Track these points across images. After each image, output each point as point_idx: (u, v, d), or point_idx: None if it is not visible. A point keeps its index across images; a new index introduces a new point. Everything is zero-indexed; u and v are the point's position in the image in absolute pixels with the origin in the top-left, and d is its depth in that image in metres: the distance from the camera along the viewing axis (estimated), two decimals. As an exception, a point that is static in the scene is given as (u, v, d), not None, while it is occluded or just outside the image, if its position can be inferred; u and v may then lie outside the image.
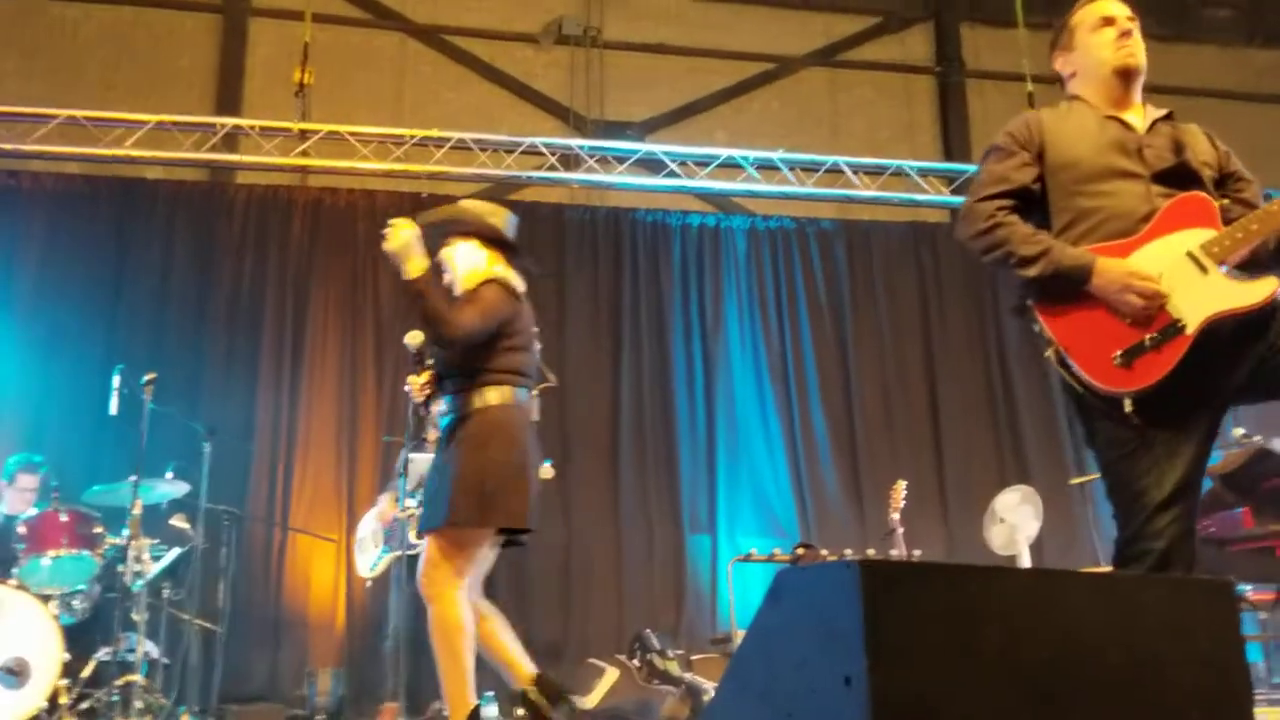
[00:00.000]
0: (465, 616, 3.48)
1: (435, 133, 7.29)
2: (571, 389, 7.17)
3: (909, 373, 7.66)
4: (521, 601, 6.63)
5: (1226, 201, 2.59)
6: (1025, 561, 5.94)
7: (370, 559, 5.98)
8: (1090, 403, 2.47)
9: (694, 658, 5.73)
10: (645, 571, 6.89)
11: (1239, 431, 4.98)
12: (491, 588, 6.60)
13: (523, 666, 3.66)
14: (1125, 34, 2.68)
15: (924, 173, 7.93)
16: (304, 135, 7.09)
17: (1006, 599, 1.79)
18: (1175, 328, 2.36)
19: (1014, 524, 6.05)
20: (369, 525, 6.09)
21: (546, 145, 7.63)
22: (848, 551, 5.65)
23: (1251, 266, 2.51)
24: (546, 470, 5.63)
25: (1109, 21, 2.71)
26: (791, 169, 7.91)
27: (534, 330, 3.91)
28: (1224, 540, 4.78)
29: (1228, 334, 2.39)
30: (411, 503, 5.03)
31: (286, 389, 6.90)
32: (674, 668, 5.42)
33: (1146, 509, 2.39)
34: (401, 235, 3.60)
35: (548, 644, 6.51)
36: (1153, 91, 8.50)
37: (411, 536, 5.16)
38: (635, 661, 5.63)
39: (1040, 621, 1.80)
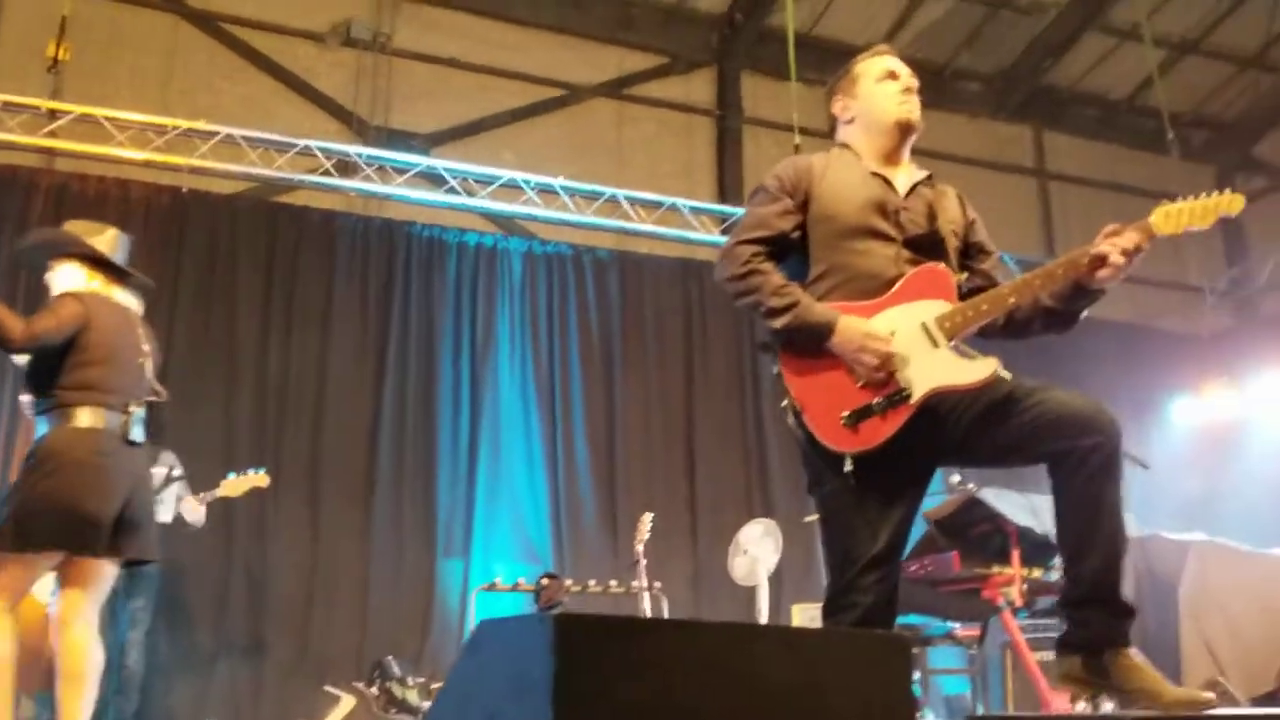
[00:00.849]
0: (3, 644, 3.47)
1: (201, 124, 6.95)
2: (330, 402, 6.98)
3: (670, 404, 7.83)
4: (258, 623, 6.38)
5: (964, 276, 2.74)
6: (764, 593, 6.18)
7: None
8: (814, 455, 2.60)
9: (435, 686, 5.64)
10: (392, 595, 6.73)
11: (955, 479, 5.36)
12: (225, 607, 6.38)
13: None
14: (909, 89, 2.82)
15: (697, 211, 8.19)
16: (54, 115, 6.62)
17: (696, 652, 1.85)
18: (901, 395, 2.50)
19: (756, 556, 6.28)
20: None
21: (322, 149, 7.42)
22: (592, 582, 5.73)
23: (986, 335, 2.70)
24: (258, 479, 5.46)
25: (894, 75, 2.82)
26: (572, 196, 8.01)
27: (143, 349, 3.89)
28: (936, 581, 5.13)
29: (946, 406, 2.55)
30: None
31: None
32: (413, 696, 5.33)
33: (856, 565, 2.52)
34: None
35: (282, 669, 6.29)
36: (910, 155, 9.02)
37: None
38: (374, 689, 5.51)
39: (728, 674, 1.87)
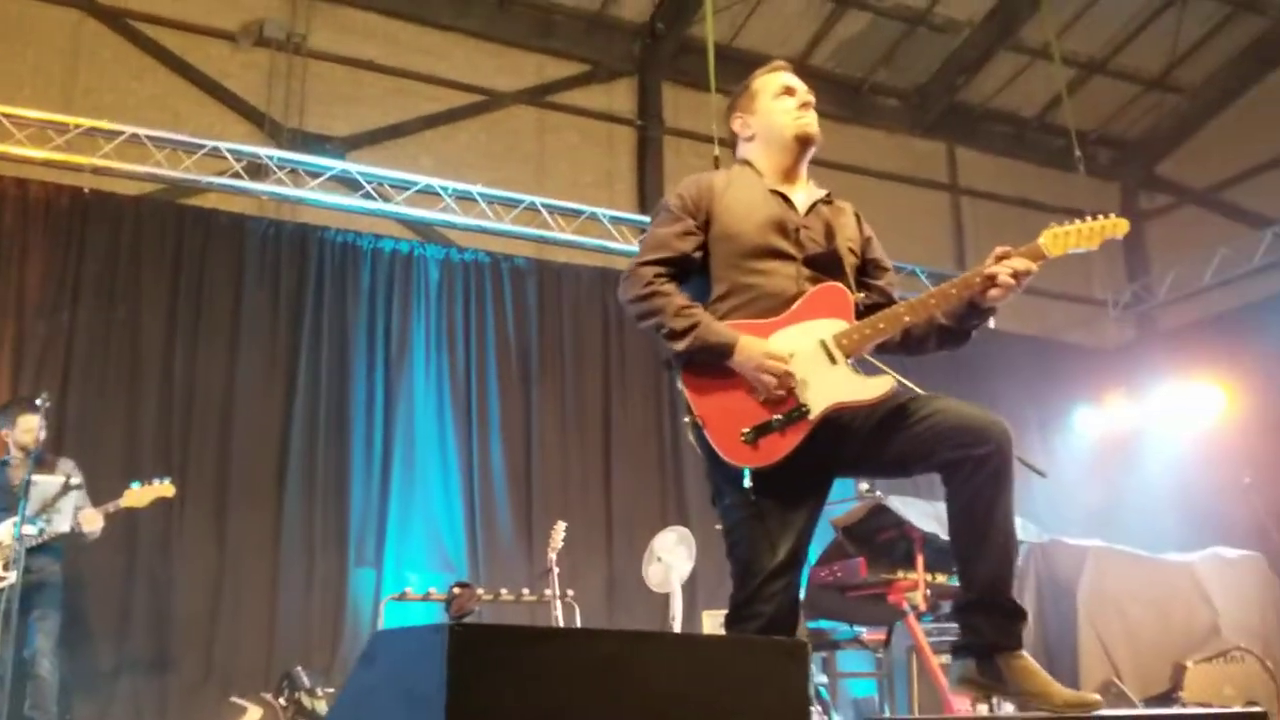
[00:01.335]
0: None
1: (104, 124, 6.78)
2: (238, 410, 6.84)
3: (586, 413, 7.83)
4: (162, 635, 6.23)
5: (862, 295, 2.79)
6: (677, 599, 6.21)
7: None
8: (715, 470, 2.63)
9: (344, 696, 5.55)
10: (303, 604, 6.61)
11: (864, 487, 5.46)
12: (128, 619, 6.21)
13: None
14: (806, 105, 2.85)
15: (616, 221, 8.21)
16: (-53, 111, 6.41)
17: (592, 660, 1.86)
18: (800, 412, 2.54)
19: (669, 563, 6.31)
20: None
21: (232, 151, 7.29)
22: (504, 591, 5.70)
23: (883, 350, 2.76)
24: (163, 489, 5.34)
25: (790, 91, 2.86)
26: (490, 203, 7.98)
27: None
28: (844, 586, 5.21)
29: (844, 420, 2.59)
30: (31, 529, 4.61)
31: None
32: (322, 707, 5.26)
33: (759, 575, 2.54)
34: None
35: (188, 681, 6.15)
36: (826, 168, 9.24)
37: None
38: (282, 700, 5.42)
39: (624, 682, 1.87)
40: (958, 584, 2.74)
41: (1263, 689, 5.87)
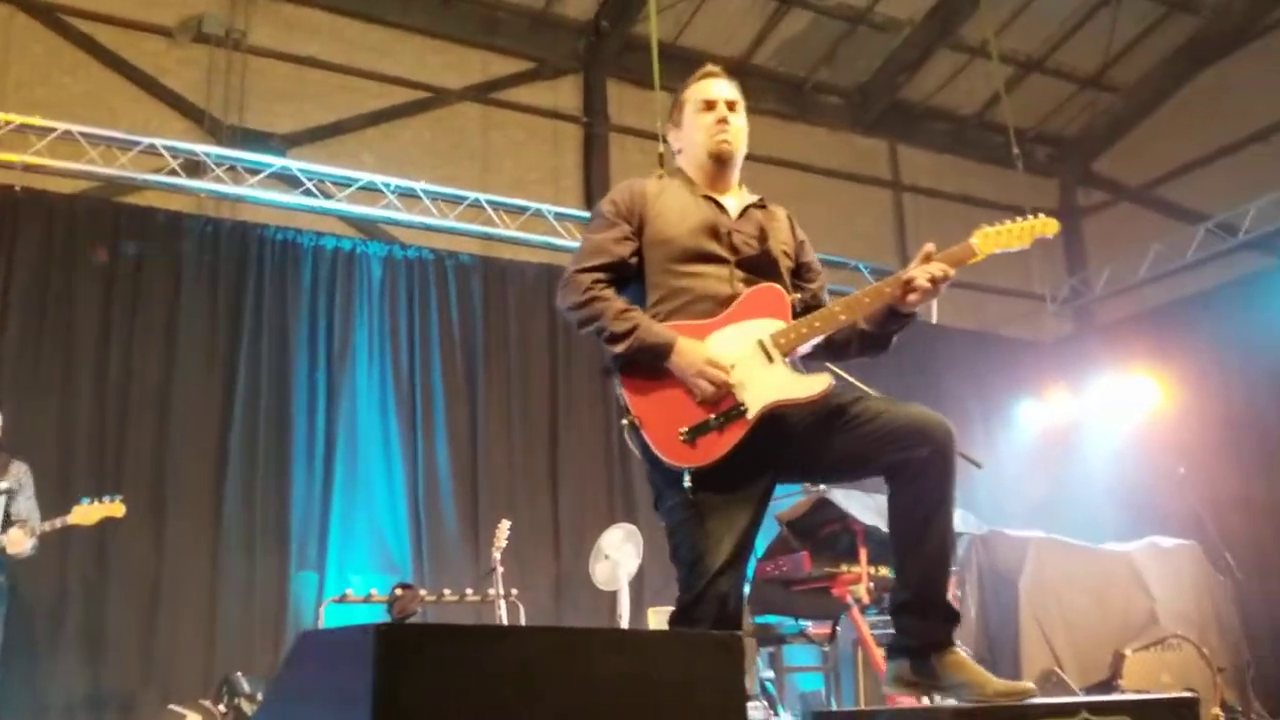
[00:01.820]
0: None
1: (37, 120, 6.63)
2: (176, 412, 6.72)
3: (533, 410, 7.79)
4: (97, 639, 6.10)
5: (798, 296, 2.81)
6: (623, 596, 6.22)
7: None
8: (655, 471, 2.63)
9: (285, 700, 5.47)
10: (244, 609, 6.51)
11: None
12: (62, 625, 6.07)
13: None
14: (722, 120, 2.85)
15: (561, 217, 8.20)
16: None
17: (524, 658, 1.84)
18: (738, 411, 2.55)
19: (617, 560, 6.31)
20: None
21: (168, 147, 7.17)
22: (447, 592, 5.66)
23: (810, 357, 2.78)
24: (113, 507, 5.22)
25: (710, 106, 2.86)
26: (434, 200, 7.93)
27: None
28: (789, 581, 5.25)
29: (785, 421, 2.60)
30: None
31: None
32: (263, 711, 5.17)
33: (705, 575, 2.54)
34: None
35: (125, 688, 6.03)
36: (770, 165, 9.30)
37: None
38: (221, 707, 5.34)
39: (557, 680, 1.86)
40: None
41: (1199, 676, 5.99)
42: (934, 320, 9.61)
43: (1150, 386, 8.98)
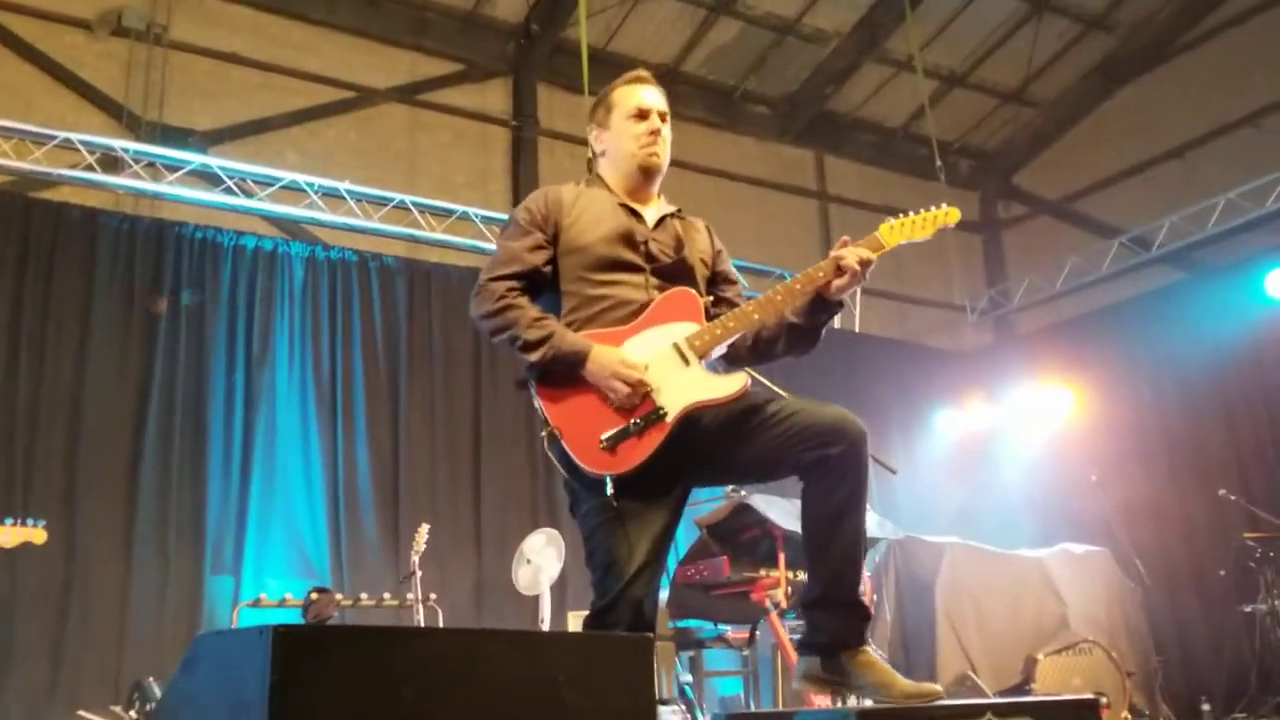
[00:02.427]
0: None
1: (-57, 113, 6.43)
2: (88, 413, 6.53)
3: (456, 415, 7.70)
4: (3, 644, 5.89)
5: (711, 300, 2.81)
6: (545, 601, 6.20)
7: None
8: (574, 478, 2.61)
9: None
10: (156, 614, 6.33)
11: (729, 486, 5.53)
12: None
13: None
14: (654, 132, 2.83)
15: (489, 221, 8.15)
16: None
17: (427, 660, 1.83)
18: (657, 415, 2.54)
19: (539, 565, 6.29)
20: None
21: (85, 143, 6.99)
22: (364, 596, 5.59)
23: (734, 360, 2.79)
24: (35, 533, 5.06)
25: (643, 115, 2.84)
26: (358, 201, 7.84)
27: None
28: (708, 585, 5.27)
29: (702, 425, 2.61)
30: None
31: None
32: None
33: (621, 579, 2.54)
34: None
35: (32, 694, 5.84)
36: (697, 173, 9.34)
37: None
38: (132, 713, 5.20)
39: (460, 681, 1.85)
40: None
41: (1109, 679, 6.14)
42: (857, 329, 9.76)
43: (1065, 396, 9.19)
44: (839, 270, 2.67)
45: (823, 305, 2.74)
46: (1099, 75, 10.42)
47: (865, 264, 2.67)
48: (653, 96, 2.88)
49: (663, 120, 2.87)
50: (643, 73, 2.96)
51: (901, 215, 2.81)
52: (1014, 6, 9.63)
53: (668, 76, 9.73)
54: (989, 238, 11.40)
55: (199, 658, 1.85)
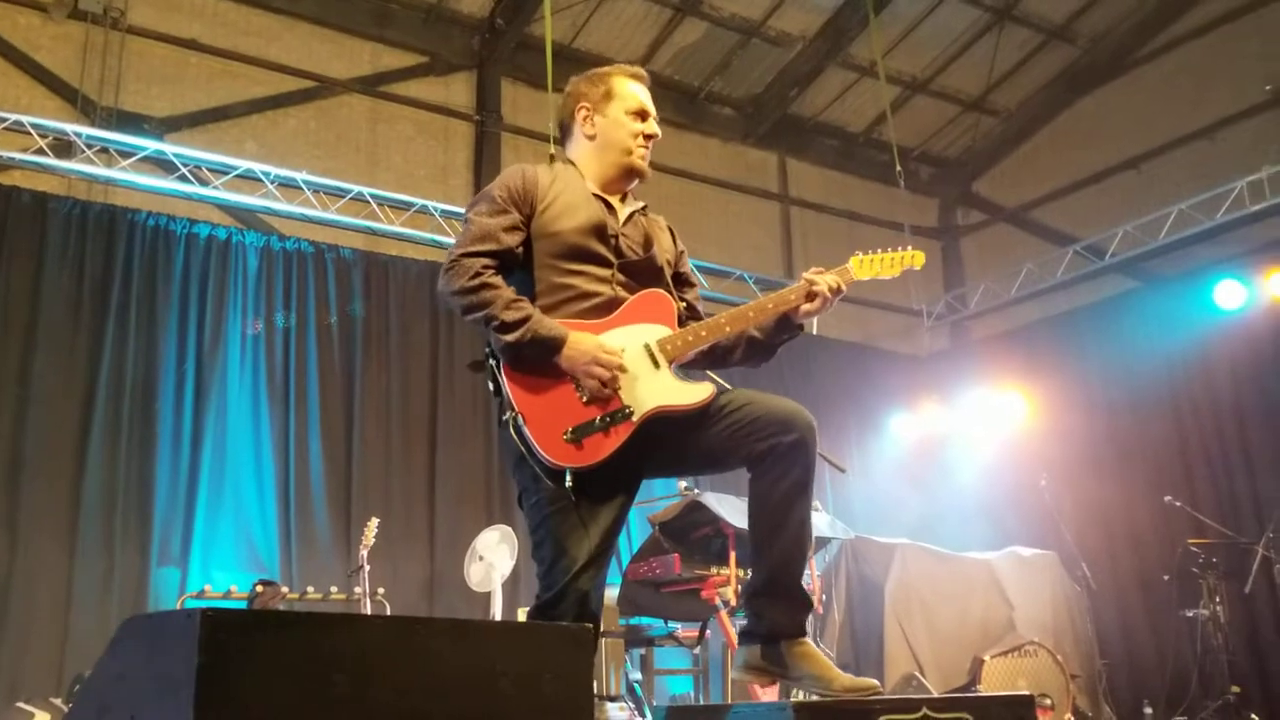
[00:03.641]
0: None
1: (-110, 92, 6.30)
2: (35, 399, 6.43)
3: (411, 409, 7.64)
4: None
5: (684, 304, 2.83)
6: (497, 597, 6.18)
7: None
8: (531, 466, 2.56)
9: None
10: (100, 606, 6.23)
11: (683, 484, 5.55)
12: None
13: None
14: (651, 136, 2.83)
15: (449, 215, 8.12)
16: None
17: (360, 646, 1.81)
18: (623, 413, 2.55)
19: (491, 562, 6.27)
20: None
21: (36, 126, 6.89)
22: (310, 589, 5.54)
23: (686, 362, 2.79)
24: None
25: (643, 116, 2.82)
26: (315, 191, 7.77)
27: None
28: (659, 583, 5.29)
29: (663, 424, 2.61)
30: None
31: None
32: (114, 711, 4.98)
33: (568, 572, 2.53)
34: None
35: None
36: (661, 172, 9.34)
37: None
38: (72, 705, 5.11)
39: (394, 668, 1.83)
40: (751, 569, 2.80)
41: (1054, 681, 6.22)
42: (815, 331, 9.81)
43: (1017, 401, 9.30)
44: (809, 295, 2.73)
45: (786, 325, 2.82)
46: (1060, 85, 10.55)
47: (835, 292, 2.73)
48: (649, 100, 2.87)
49: (657, 127, 2.87)
50: (643, 71, 2.94)
51: (872, 252, 2.92)
52: (976, 15, 9.72)
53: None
54: (947, 244, 11.51)
55: (126, 640, 1.82)
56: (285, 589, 5.59)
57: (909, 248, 2.94)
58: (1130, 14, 9.83)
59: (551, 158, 3.03)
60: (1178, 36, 9.75)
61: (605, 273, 2.71)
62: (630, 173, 2.83)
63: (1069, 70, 10.42)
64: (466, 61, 9.32)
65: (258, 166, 7.54)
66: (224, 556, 6.70)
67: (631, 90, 2.84)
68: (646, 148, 2.82)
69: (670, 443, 2.66)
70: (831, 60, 9.93)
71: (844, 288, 2.75)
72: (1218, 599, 6.81)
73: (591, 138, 2.84)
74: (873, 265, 2.87)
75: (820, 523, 5.62)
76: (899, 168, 9.01)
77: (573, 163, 2.87)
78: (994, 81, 10.43)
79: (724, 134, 10.48)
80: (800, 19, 9.59)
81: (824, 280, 2.72)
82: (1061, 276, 9.76)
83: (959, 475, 9.57)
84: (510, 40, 9.18)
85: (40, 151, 6.90)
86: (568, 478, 2.50)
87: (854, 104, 10.60)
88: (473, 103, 9.31)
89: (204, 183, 7.40)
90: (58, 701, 5.42)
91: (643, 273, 2.77)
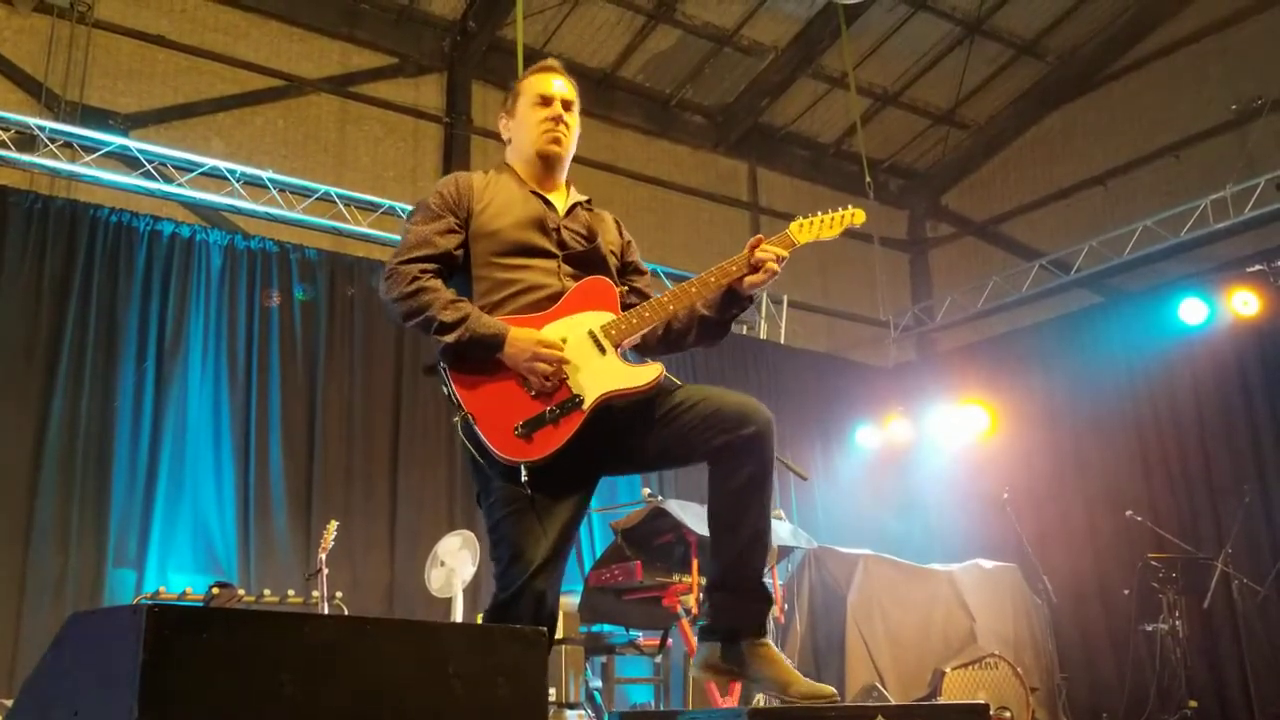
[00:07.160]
0: None
1: None
2: (-11, 395, 6.31)
3: (374, 413, 7.55)
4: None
5: (625, 289, 2.82)
6: (458, 603, 6.12)
7: None
8: (485, 466, 2.55)
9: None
10: (54, 607, 6.08)
11: (646, 491, 5.53)
12: None
13: None
14: (556, 119, 2.81)
15: (415, 217, 8.05)
16: None
17: (309, 646, 1.78)
18: (574, 402, 2.52)
19: (452, 568, 6.21)
20: None
21: (-2, 119, 6.79)
22: (267, 592, 5.47)
23: (644, 350, 2.80)
24: None
25: (546, 101, 2.82)
26: (281, 191, 7.70)
27: None
28: (621, 590, 5.25)
29: (614, 413, 2.59)
30: None
31: None
32: (63, 714, 4.88)
33: (525, 571, 2.51)
34: None
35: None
36: (631, 179, 9.31)
37: None
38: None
39: (343, 668, 1.80)
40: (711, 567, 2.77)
41: (1013, 694, 6.24)
42: (782, 340, 9.83)
43: (981, 414, 9.33)
44: (753, 266, 2.69)
45: (734, 299, 2.77)
46: (1028, 100, 10.65)
47: (779, 260, 2.70)
48: (559, 85, 2.86)
49: (566, 109, 2.85)
50: (551, 61, 2.95)
51: (811, 215, 2.85)
52: (947, 29, 9.80)
53: (605, 82, 9.73)
54: (915, 256, 11.58)
55: (70, 636, 1.78)
56: (241, 591, 5.51)
57: (849, 207, 2.88)
58: (1099, 32, 9.95)
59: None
60: (1145, 55, 9.87)
61: (551, 264, 2.72)
62: (545, 158, 2.82)
63: (1038, 86, 10.52)
64: (437, 63, 9.29)
65: (223, 164, 7.47)
66: (181, 558, 6.59)
67: (533, 83, 2.87)
68: (553, 129, 2.81)
69: (628, 438, 2.65)
70: (803, 71, 9.97)
71: (786, 255, 2.73)
72: (1177, 614, 6.85)
73: (510, 141, 2.90)
74: (813, 228, 2.82)
75: (783, 532, 5.63)
76: (869, 179, 9.06)
77: (509, 166, 2.89)
78: (964, 95, 10.52)
79: (694, 142, 10.50)
80: (773, 29, 9.62)
81: (765, 249, 2.69)
82: (1027, 291, 9.84)
83: (923, 487, 9.60)
84: (481, 43, 9.16)
85: (2, 145, 6.80)
86: (523, 473, 2.49)
87: (825, 115, 10.65)
88: (443, 104, 9.28)
89: (169, 180, 7.32)
90: (8, 703, 5.29)
91: (589, 263, 2.76)
